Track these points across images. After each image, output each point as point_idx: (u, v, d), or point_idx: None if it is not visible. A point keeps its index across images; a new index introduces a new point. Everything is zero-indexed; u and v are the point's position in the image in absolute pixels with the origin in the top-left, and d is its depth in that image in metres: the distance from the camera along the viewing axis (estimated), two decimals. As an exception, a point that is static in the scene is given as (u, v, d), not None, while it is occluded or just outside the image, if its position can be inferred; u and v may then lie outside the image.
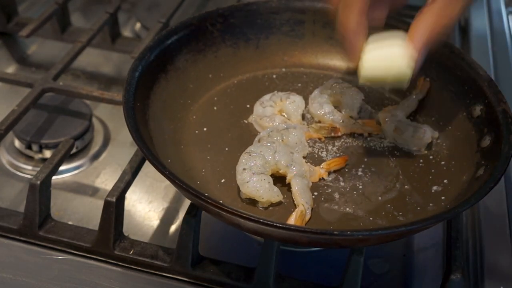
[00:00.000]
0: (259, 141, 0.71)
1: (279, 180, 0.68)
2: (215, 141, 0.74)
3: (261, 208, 0.66)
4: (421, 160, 0.72)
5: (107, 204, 0.66)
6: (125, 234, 0.69)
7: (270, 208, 0.66)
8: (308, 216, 0.65)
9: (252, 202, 0.66)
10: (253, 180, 0.65)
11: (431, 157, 0.73)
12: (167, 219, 0.77)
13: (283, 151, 0.68)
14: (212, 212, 0.59)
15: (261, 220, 0.54)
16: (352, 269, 0.62)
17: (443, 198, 0.67)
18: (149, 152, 0.61)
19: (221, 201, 0.56)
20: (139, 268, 0.67)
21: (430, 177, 0.70)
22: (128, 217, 0.74)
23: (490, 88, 0.70)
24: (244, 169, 0.66)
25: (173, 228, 0.76)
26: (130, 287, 0.66)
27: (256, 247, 0.72)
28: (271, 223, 0.54)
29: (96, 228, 0.67)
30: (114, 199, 0.65)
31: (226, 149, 0.73)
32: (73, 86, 0.85)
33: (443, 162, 0.72)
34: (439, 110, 0.77)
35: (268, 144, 0.68)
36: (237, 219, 0.56)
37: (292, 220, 0.63)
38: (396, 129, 0.74)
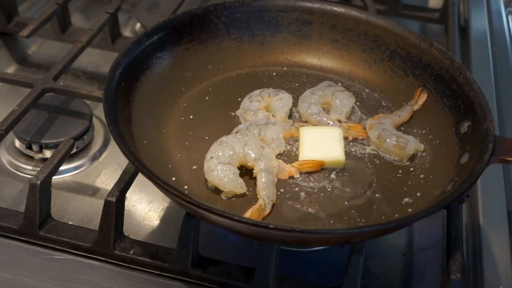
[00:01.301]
0: (236, 133, 0.71)
1: (249, 173, 0.68)
2: (197, 130, 0.74)
3: (224, 198, 0.66)
4: (400, 171, 0.71)
5: (107, 204, 0.66)
6: (125, 234, 0.69)
7: (233, 198, 0.66)
8: (267, 211, 0.65)
9: (217, 191, 0.66)
10: (217, 169, 0.65)
11: (411, 169, 0.72)
12: (167, 219, 0.77)
13: (254, 144, 0.68)
14: (158, 188, 0.58)
15: (196, 203, 0.54)
16: (352, 269, 0.62)
17: (409, 210, 0.66)
18: (115, 127, 0.61)
19: (174, 179, 0.58)
20: (139, 268, 0.67)
21: (405, 188, 0.69)
22: (128, 217, 0.74)
23: (480, 105, 0.69)
24: (212, 157, 0.66)
25: (173, 228, 0.76)
26: (130, 287, 0.66)
27: (256, 247, 0.72)
28: (207, 207, 0.54)
29: (96, 228, 0.67)
30: (114, 199, 0.65)
31: (206, 137, 0.73)
32: (73, 86, 0.85)
33: (422, 175, 0.71)
34: (431, 123, 0.76)
35: (239, 136, 0.69)
36: (179, 200, 0.56)
37: (249, 213, 0.63)
38: (379, 137, 0.73)
